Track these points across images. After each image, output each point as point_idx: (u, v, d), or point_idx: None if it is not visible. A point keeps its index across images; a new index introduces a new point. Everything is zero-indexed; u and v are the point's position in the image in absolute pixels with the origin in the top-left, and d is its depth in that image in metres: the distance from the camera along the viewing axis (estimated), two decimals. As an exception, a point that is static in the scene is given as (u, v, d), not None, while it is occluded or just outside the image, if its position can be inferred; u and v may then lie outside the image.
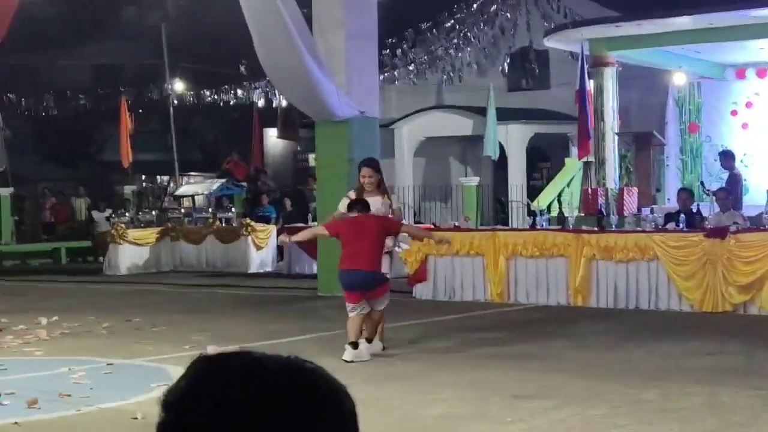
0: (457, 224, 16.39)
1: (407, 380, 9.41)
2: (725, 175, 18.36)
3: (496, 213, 25.17)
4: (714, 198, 15.10)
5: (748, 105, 20.73)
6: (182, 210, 24.06)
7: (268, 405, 1.27)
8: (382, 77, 22.46)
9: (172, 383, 1.36)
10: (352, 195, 11.25)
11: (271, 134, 31.16)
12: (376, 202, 10.98)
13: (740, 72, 20.65)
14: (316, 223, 18.62)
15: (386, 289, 10.79)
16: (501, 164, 24.37)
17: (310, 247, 18.97)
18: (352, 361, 10.23)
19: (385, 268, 10.72)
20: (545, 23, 24.18)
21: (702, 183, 17.55)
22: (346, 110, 15.78)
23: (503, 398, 8.44)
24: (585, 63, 18.47)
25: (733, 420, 7.72)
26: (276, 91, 27.30)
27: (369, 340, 10.67)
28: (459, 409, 8.23)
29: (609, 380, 9.21)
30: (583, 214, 16.82)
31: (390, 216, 11.13)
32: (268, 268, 20.73)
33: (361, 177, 11.31)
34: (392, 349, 11.05)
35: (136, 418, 8.08)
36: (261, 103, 27.75)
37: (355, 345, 10.39)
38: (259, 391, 1.28)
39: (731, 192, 15.40)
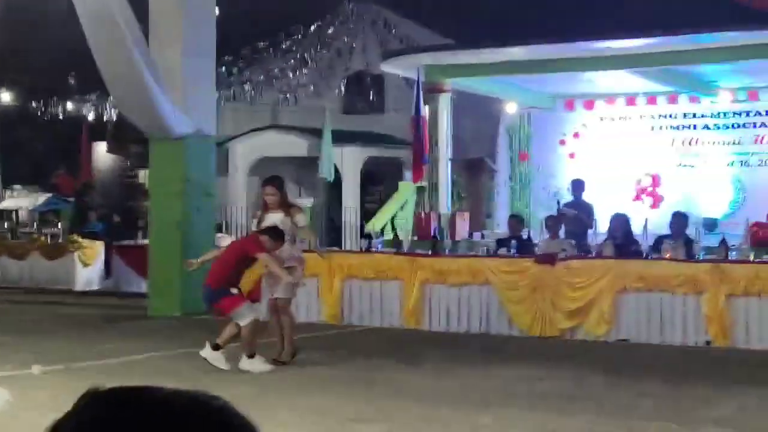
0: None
1: (241, 402, 9.24)
2: (554, 203, 18.83)
3: (329, 235, 25.17)
4: (544, 224, 15.44)
5: (576, 135, 21.32)
6: (5, 224, 23.20)
7: None
8: (217, 95, 22.21)
9: (59, 421, 1.24)
10: (258, 213, 11.73)
11: (100, 149, 30.44)
12: (277, 219, 11.19)
13: (569, 103, 21.23)
14: (146, 240, 18.25)
15: (229, 306, 10.87)
16: (335, 186, 24.40)
17: (138, 265, 18.59)
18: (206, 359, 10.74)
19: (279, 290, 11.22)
20: (381, 48, 24.39)
21: (558, 202, 17.90)
22: (182, 127, 15.53)
23: (339, 422, 8.39)
24: (420, 89, 18.66)
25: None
26: (107, 105, 26.73)
27: (249, 356, 10.89)
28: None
29: (445, 405, 9.27)
30: (416, 238, 16.95)
31: (264, 239, 11.01)
32: (95, 286, 20.18)
33: (264, 194, 11.59)
34: (219, 372, 10.85)
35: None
36: (91, 116, 27.07)
37: (216, 347, 10.83)
38: None
39: (560, 220, 15.80)
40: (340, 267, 14.65)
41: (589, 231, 16.24)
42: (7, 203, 25.29)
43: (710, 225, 18.54)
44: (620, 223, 14.35)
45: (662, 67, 17.85)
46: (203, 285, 11.04)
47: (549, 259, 13.50)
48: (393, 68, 20.40)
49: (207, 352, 10.80)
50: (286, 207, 11.38)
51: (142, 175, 30.99)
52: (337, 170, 23.23)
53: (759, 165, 19.54)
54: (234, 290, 10.96)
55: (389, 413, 8.87)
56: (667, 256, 13.03)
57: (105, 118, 27.62)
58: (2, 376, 10.49)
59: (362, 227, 21.16)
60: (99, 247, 20.49)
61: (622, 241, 14.03)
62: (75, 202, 23.95)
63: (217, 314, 11.10)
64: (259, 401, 9.35)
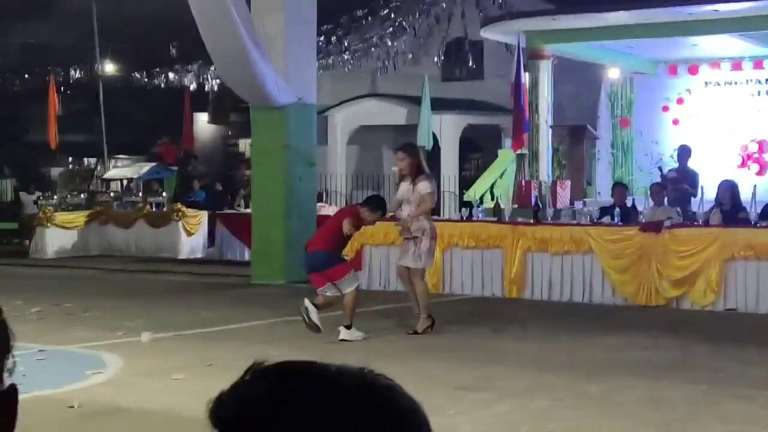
0: (392, 213, 16.30)
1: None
2: (657, 170, 18.54)
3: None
4: (649, 192, 15.22)
5: (680, 101, 20.95)
6: (111, 193, 23.67)
7: (348, 429, 1.16)
8: (317, 64, 22.29)
9: (224, 395, 1.23)
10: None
11: (202, 119, 30.82)
12: (404, 188, 11.26)
13: (672, 68, 20.84)
14: (249, 209, 18.46)
15: (342, 272, 10.93)
16: (433, 154, 24.37)
17: (242, 233, 18.81)
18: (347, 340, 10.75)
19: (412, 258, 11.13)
20: (480, 14, 24.20)
21: (660, 169, 17.63)
22: (284, 96, 15.62)
23: (445, 390, 8.39)
24: (521, 55, 18.50)
25: (675, 415, 7.77)
26: (208, 75, 27.01)
27: (347, 327, 10.95)
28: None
29: (550, 373, 9.23)
30: (517, 206, 16.84)
31: (362, 210, 11.04)
32: (199, 254, 20.49)
33: (397, 160, 11.57)
34: (327, 338, 10.94)
35: (73, 407, 7.90)
36: (192, 86, 27.40)
37: (348, 327, 10.89)
38: (337, 414, 1.16)
39: (665, 187, 15.56)
40: (440, 236, 14.61)
41: (694, 199, 15.97)
42: (112, 173, 25.79)
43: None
44: (728, 190, 14.06)
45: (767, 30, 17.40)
46: (311, 250, 10.98)
47: (655, 227, 13.31)
48: (493, 35, 20.23)
49: (344, 333, 10.87)
50: (416, 174, 11.15)
51: (243, 145, 31.36)
52: (435, 138, 23.19)
53: None
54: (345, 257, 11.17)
55: (494, 381, 8.86)
56: (776, 224, 12.74)
57: (206, 88, 27.93)
58: (113, 343, 10.73)
59: (461, 195, 21.13)
60: (202, 215, 20.77)
61: (730, 208, 13.75)
62: (178, 172, 24.31)
63: (317, 281, 10.97)
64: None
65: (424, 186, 11.06)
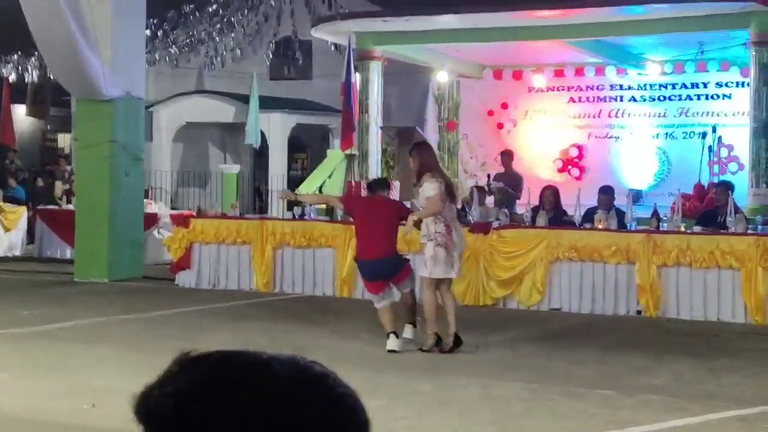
0: (223, 212, 16.15)
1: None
2: (483, 172, 18.90)
3: (254, 202, 25.02)
4: (471, 194, 15.47)
5: (504, 106, 21.41)
6: None
7: (281, 417, 1.10)
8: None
9: (152, 388, 1.15)
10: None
11: (20, 111, 29.77)
12: (418, 191, 10.64)
13: (497, 73, 21.28)
14: (71, 206, 17.93)
15: (408, 272, 10.54)
16: (260, 153, 24.22)
17: (63, 230, 18.25)
18: (395, 351, 10.10)
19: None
20: (310, 13, 24.18)
21: (489, 176, 17.92)
22: (111, 89, 15.22)
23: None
24: (351, 56, 18.56)
25: (508, 413, 7.90)
26: (28, 66, 26.12)
27: (413, 324, 10.55)
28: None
29: (385, 372, 9.26)
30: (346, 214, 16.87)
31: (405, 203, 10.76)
32: (17, 252, 19.75)
33: None
34: (161, 338, 10.71)
35: None
36: (11, 77, 26.43)
37: (395, 334, 10.23)
38: (271, 402, 1.10)
39: (503, 190, 15.97)
40: (272, 234, 14.53)
41: (518, 201, 16.34)
42: None
43: (635, 196, 18.76)
44: (552, 194, 14.43)
45: (591, 39, 17.98)
46: (379, 257, 10.26)
47: (483, 227, 13.54)
48: (323, 34, 20.25)
49: (406, 332, 10.53)
50: (421, 175, 10.37)
51: (62, 139, 30.49)
52: (263, 137, 23.04)
53: (684, 137, 19.81)
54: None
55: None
56: (600, 226, 13.13)
57: (26, 80, 26.99)
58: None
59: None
60: (21, 211, 20.04)
61: (554, 212, 14.12)
62: (-6, 166, 23.39)
63: (378, 287, 10.30)
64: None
65: (427, 188, 10.21)
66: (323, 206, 14.92)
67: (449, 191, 10.26)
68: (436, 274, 10.19)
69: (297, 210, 14.89)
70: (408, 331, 10.60)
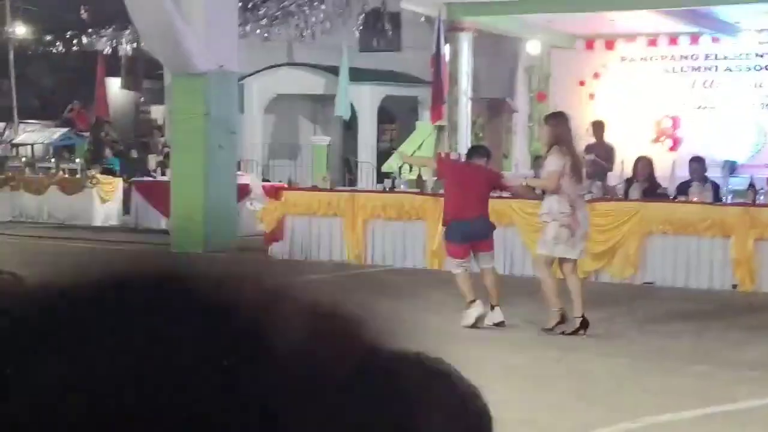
0: (315, 184, 16.28)
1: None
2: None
3: (344, 173, 25.12)
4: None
5: (596, 76, 21.18)
6: (22, 159, 23.16)
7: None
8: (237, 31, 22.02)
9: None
10: None
11: (114, 84, 30.28)
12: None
13: (589, 43, 21.05)
14: (165, 177, 18.23)
15: (492, 243, 10.34)
16: (350, 125, 24.29)
17: (157, 201, 18.57)
18: (481, 318, 9.95)
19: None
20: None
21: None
22: (206, 63, 15.41)
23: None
24: (441, 27, 18.51)
25: (599, 388, 7.88)
26: (122, 40, 26.53)
27: (498, 305, 10.18)
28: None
29: (470, 344, 9.25)
30: (437, 179, 16.87)
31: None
32: (114, 222, 20.17)
33: None
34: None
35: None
36: (106, 51, 26.88)
37: (474, 302, 10.04)
38: (395, 402, 1.10)
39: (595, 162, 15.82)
40: (363, 207, 14.62)
41: (610, 173, 16.18)
42: (23, 137, 25.24)
43: (731, 168, 18.47)
44: (646, 166, 14.25)
45: (685, 8, 17.68)
46: (472, 217, 10.03)
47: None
48: (413, 6, 20.20)
49: (496, 315, 10.14)
50: (551, 146, 9.91)
51: (156, 111, 30.93)
52: (353, 109, 23.10)
53: (782, 109, 19.41)
54: None
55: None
56: (695, 199, 12.96)
57: (119, 54, 27.43)
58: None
59: (378, 166, 21.12)
60: (117, 182, 20.45)
61: (647, 183, 13.96)
62: (91, 138, 23.87)
63: (465, 251, 10.09)
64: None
65: (550, 161, 9.81)
66: (422, 169, 14.74)
67: (575, 169, 9.76)
68: (558, 253, 9.79)
69: (387, 182, 14.95)
70: (498, 315, 10.18)
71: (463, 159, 11.26)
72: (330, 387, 0.79)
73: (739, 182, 15.08)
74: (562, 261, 9.88)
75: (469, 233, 10.10)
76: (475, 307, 10.05)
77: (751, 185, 13.34)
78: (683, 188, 13.53)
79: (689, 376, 8.24)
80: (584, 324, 9.75)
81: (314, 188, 15.66)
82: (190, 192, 15.67)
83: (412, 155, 19.03)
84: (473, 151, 11.07)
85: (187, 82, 15.68)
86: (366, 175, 22.44)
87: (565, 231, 9.70)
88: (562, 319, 9.73)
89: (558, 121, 10.06)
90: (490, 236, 10.26)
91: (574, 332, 9.72)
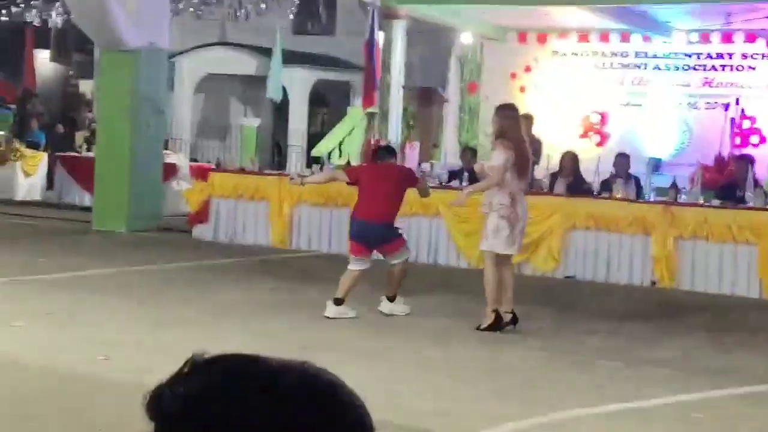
0: (242, 167, 16.20)
1: (195, 326, 9.22)
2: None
3: (273, 156, 25.01)
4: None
5: (527, 69, 21.32)
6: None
7: (289, 424, 1.15)
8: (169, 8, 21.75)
9: (164, 388, 1.19)
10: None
11: (42, 56, 29.80)
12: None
13: (522, 36, 21.18)
14: (91, 154, 18.00)
15: (400, 245, 10.20)
16: (281, 107, 24.17)
17: (82, 178, 18.33)
18: (334, 318, 9.75)
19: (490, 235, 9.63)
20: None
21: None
22: (136, 39, 15.23)
23: (293, 350, 8.37)
24: (376, 13, 18.51)
25: (513, 381, 7.95)
26: (52, 12, 26.10)
27: (391, 299, 10.19)
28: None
29: (390, 336, 9.32)
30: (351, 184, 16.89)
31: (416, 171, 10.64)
32: (37, 197, 19.87)
33: None
34: (176, 291, 10.81)
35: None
36: (35, 23, 26.42)
37: (339, 301, 9.88)
38: (279, 411, 1.15)
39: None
40: (289, 192, 14.57)
41: (537, 167, 16.30)
42: (-55, 108, 24.72)
43: (655, 165, 18.73)
44: (570, 160, 14.39)
45: (617, 6, 17.87)
46: (375, 221, 9.96)
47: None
48: (349, -10, 20.17)
49: (386, 306, 10.15)
50: (495, 140, 9.82)
51: (84, 85, 30.50)
52: (285, 91, 23.00)
53: (707, 108, 19.70)
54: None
55: (338, 342, 8.90)
56: (618, 196, 13.12)
57: (49, 25, 26.99)
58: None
59: (309, 150, 21.06)
60: (42, 157, 20.13)
61: (572, 178, 14.10)
62: (16, 110, 23.47)
63: (362, 251, 10.03)
64: (210, 324, 9.33)
65: (493, 156, 9.70)
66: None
67: (520, 163, 9.63)
68: (497, 248, 9.63)
69: (316, 167, 14.91)
70: (385, 306, 10.20)
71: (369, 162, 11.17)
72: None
73: (662, 180, 15.28)
74: (498, 256, 9.78)
75: (363, 236, 10.07)
76: (330, 305, 9.92)
77: (674, 184, 13.54)
78: (607, 184, 13.68)
79: (602, 371, 8.34)
80: (514, 320, 9.72)
81: (241, 171, 15.58)
82: (114, 169, 15.50)
83: (340, 145, 19.03)
84: (383, 151, 10.96)
85: (115, 58, 15.48)
86: (295, 159, 22.38)
87: (505, 223, 9.60)
88: (496, 321, 9.58)
89: (505, 113, 9.88)
90: (388, 242, 10.15)
91: (503, 327, 9.60)
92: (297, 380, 1.18)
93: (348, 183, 10.91)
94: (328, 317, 9.83)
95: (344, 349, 8.62)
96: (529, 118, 17.98)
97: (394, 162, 10.74)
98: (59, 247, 13.78)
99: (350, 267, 10.11)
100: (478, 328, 9.57)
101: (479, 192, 10.05)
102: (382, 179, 10.10)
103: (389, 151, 11.05)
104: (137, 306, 9.99)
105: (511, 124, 9.76)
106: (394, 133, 18.85)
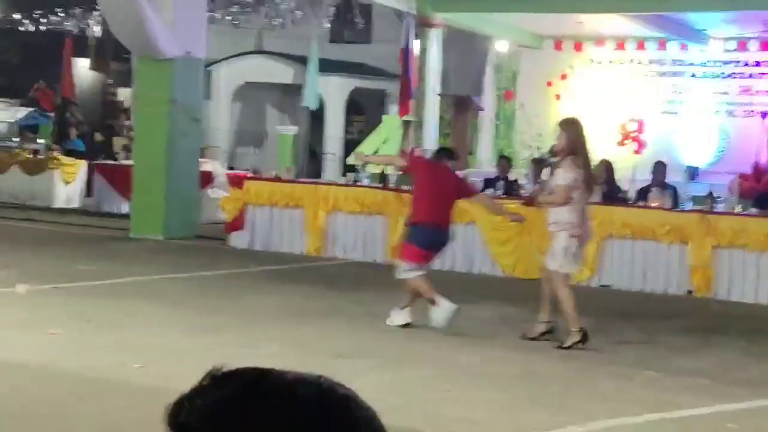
0: (278, 175, 16.26)
1: (229, 333, 9.27)
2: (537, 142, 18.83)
3: (309, 164, 25.10)
4: (530, 167, 15.44)
5: (563, 77, 21.26)
6: (-15, 137, 22.97)
7: None
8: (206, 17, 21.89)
9: (184, 400, 1.22)
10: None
11: (81, 65, 30.09)
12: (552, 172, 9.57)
13: (558, 44, 21.13)
14: (129, 161, 18.13)
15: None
16: (317, 115, 24.26)
17: (120, 185, 18.48)
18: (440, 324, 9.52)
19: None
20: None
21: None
22: (172, 48, 15.33)
23: (325, 357, 8.40)
24: (411, 22, 18.54)
25: (548, 390, 7.93)
26: (91, 21, 26.35)
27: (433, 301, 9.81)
28: (282, 366, 8.16)
29: (419, 342, 9.31)
30: (402, 173, 16.89)
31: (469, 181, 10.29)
32: (75, 204, 20.04)
33: None
34: (211, 299, 10.87)
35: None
36: (74, 31, 26.69)
37: (433, 301, 9.64)
38: (295, 424, 1.16)
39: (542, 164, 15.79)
40: (325, 199, 14.61)
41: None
42: (-13, 115, 25.01)
43: (692, 173, 18.64)
44: (605, 169, 14.32)
45: (653, 13, 17.79)
46: (444, 226, 9.78)
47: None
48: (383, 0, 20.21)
49: (438, 313, 9.69)
50: (564, 156, 9.37)
51: (122, 94, 30.75)
52: (321, 100, 23.09)
53: (744, 116, 19.56)
54: None
55: (370, 348, 8.92)
56: (654, 205, 13.06)
57: (87, 34, 27.24)
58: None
59: (345, 158, 21.11)
60: (80, 164, 20.30)
61: (607, 186, 14.04)
62: (55, 118, 23.70)
63: (427, 257, 9.85)
64: (244, 330, 9.37)
65: (560, 175, 9.32)
66: (387, 167, 14.32)
67: (587, 180, 9.42)
68: (567, 268, 9.40)
69: (351, 176, 14.95)
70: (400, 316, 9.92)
71: (428, 157, 10.98)
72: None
73: (699, 188, 15.19)
74: (552, 272, 9.46)
75: (433, 241, 9.81)
76: (440, 306, 9.64)
77: (710, 194, 13.45)
78: (644, 192, 13.62)
79: (637, 381, 8.30)
80: (551, 330, 9.57)
81: (277, 179, 15.64)
82: (151, 177, 15.61)
83: (374, 153, 19.04)
84: (443, 152, 10.68)
85: (152, 67, 15.60)
86: (331, 167, 22.45)
87: (575, 242, 9.36)
88: (582, 339, 9.31)
89: (575, 127, 9.49)
90: (445, 245, 10.07)
91: (573, 346, 9.30)
92: (313, 394, 1.19)
93: (402, 169, 10.49)
94: (437, 326, 9.56)
95: (378, 355, 8.63)
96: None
97: (451, 165, 10.28)
98: (96, 255, 13.87)
99: (412, 275, 9.71)
100: (561, 347, 9.26)
101: (547, 206, 9.70)
102: (440, 185, 9.77)
103: (447, 152, 10.62)
104: (171, 312, 10.04)
105: (580, 140, 9.43)
106: (429, 141, 18.84)
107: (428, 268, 10.08)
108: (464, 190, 10.28)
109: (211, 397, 1.18)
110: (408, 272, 9.78)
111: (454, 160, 10.51)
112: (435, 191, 9.71)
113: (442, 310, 9.62)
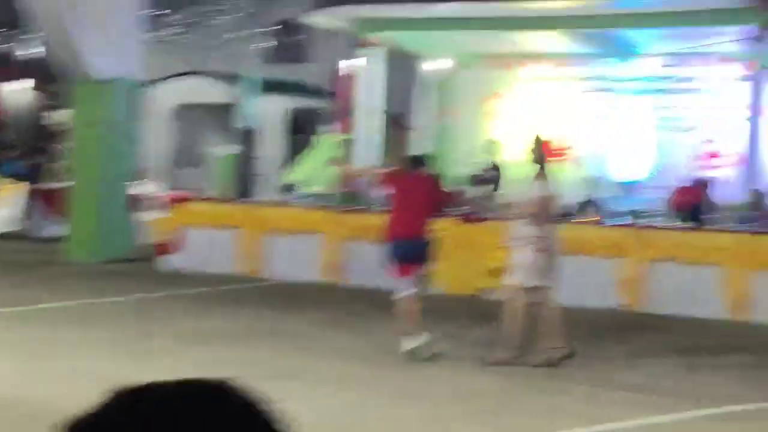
0: (214, 195, 16.21)
1: (157, 358, 9.17)
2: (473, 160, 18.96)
3: (247, 184, 25.01)
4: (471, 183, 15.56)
5: (497, 95, 21.41)
6: None
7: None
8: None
9: (81, 415, 1.23)
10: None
11: (12, 87, 29.77)
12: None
13: (492, 61, 21.26)
14: (64, 184, 17.94)
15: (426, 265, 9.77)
16: (254, 135, 24.21)
17: (57, 209, 18.27)
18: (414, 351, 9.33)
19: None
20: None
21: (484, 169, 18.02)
22: (107, 70, 15.24)
23: (259, 378, 8.35)
24: (350, 41, 18.61)
25: (481, 407, 7.95)
26: (26, 43, 26.12)
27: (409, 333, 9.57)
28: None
29: (358, 363, 9.30)
30: (339, 193, 16.93)
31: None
32: (12, 229, 19.74)
33: None
34: (142, 323, 10.78)
35: None
36: (8, 54, 26.44)
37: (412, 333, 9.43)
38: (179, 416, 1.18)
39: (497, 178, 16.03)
40: (261, 219, 14.58)
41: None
42: None
43: (627, 188, 18.85)
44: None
45: (586, 30, 18.01)
46: (413, 236, 9.49)
47: (475, 217, 13.60)
48: (322, 19, 20.23)
49: (411, 342, 9.50)
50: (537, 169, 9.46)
51: (57, 116, 30.44)
52: (258, 119, 23.04)
53: (678, 131, 19.81)
54: None
55: (304, 370, 8.90)
56: (588, 219, 13.21)
57: (22, 57, 26.99)
58: None
59: (283, 178, 21.09)
60: (14, 188, 20.02)
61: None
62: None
63: (405, 271, 9.52)
64: (173, 354, 9.31)
65: (538, 186, 9.39)
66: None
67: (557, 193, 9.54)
68: (528, 282, 9.28)
69: (288, 195, 14.94)
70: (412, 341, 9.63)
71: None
72: None
73: (634, 203, 15.36)
74: (531, 291, 9.40)
75: (407, 253, 9.56)
76: (410, 338, 9.52)
77: (643, 206, 13.63)
78: (582, 208, 13.77)
79: (570, 395, 8.35)
80: (569, 354, 9.45)
81: (211, 199, 15.58)
82: (86, 200, 15.47)
83: (315, 172, 19.05)
84: (416, 159, 10.34)
85: (87, 88, 15.48)
86: (267, 188, 22.40)
87: (543, 256, 9.30)
88: (569, 354, 9.42)
89: (538, 140, 9.68)
90: (426, 259, 9.75)
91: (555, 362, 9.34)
92: (192, 394, 1.21)
93: (379, 183, 10.41)
94: (408, 351, 9.42)
95: (308, 377, 8.61)
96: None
97: (425, 171, 10.09)
98: (33, 279, 13.71)
99: (405, 294, 9.58)
100: (489, 363, 9.28)
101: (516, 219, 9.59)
102: (414, 192, 9.59)
103: (420, 159, 10.36)
104: (105, 337, 9.95)
105: (543, 152, 9.59)
106: (367, 159, 18.86)
107: (420, 282, 9.80)
108: (439, 197, 10.10)
109: (91, 412, 1.21)
110: (397, 293, 9.66)
111: (424, 166, 10.23)
112: (409, 203, 9.55)
113: (416, 340, 9.51)
